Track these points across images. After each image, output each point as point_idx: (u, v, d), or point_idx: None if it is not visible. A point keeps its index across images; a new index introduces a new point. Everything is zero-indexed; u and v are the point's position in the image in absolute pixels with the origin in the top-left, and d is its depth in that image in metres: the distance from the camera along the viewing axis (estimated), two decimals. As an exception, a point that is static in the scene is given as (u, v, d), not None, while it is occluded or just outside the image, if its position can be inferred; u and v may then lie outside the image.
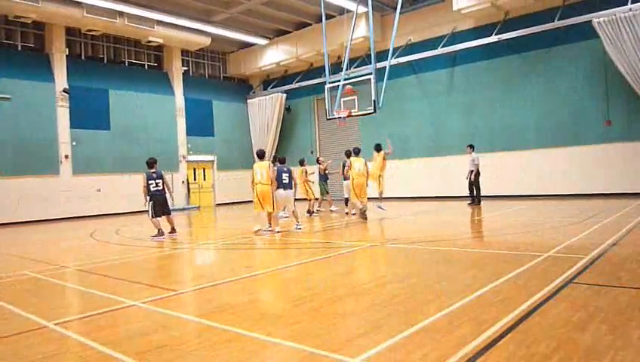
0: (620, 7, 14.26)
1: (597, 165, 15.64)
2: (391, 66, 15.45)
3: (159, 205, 10.55)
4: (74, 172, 18.55)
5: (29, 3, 16.13)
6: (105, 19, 17.95)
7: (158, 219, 10.59)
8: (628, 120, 15.17)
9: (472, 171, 15.35)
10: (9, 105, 16.94)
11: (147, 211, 10.60)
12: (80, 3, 17.17)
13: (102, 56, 20.60)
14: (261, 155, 11.38)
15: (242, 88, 25.75)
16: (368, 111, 15.06)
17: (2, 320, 4.59)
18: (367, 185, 12.63)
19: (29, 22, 17.50)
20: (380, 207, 13.82)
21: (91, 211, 18.68)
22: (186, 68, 23.11)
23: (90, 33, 19.12)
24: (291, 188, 11.02)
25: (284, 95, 23.73)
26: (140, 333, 3.98)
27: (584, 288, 4.67)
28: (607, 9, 14.52)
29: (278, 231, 10.43)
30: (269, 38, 22.87)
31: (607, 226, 8.88)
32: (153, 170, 10.63)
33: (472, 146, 15.61)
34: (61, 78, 18.48)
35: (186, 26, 20.21)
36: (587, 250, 6.49)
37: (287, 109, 24.19)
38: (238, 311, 4.53)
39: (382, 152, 14.08)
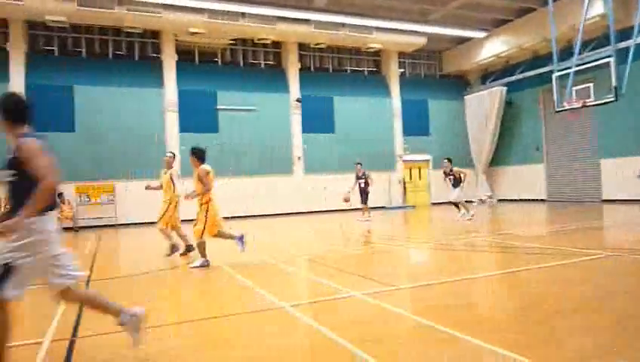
0: None
1: None
2: (637, 46, 13.15)
3: None
4: (305, 171, 20.77)
5: (269, 26, 18.68)
6: (330, 31, 19.65)
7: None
8: None
9: None
10: (254, 116, 19.92)
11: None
12: (309, 20, 19.13)
13: (327, 66, 22.57)
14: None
15: (459, 85, 25.11)
16: (607, 100, 13.14)
17: (251, 298, 5.45)
18: None
19: (269, 42, 20.28)
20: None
21: (319, 207, 20.57)
22: (402, 70, 23.65)
23: (318, 46, 21.14)
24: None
25: (505, 88, 22.31)
26: (360, 323, 4.27)
27: None
28: None
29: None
30: (487, 30, 21.79)
31: None
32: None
33: None
34: (295, 89, 20.93)
35: (402, 29, 20.70)
36: None
37: (508, 103, 22.67)
38: (453, 312, 4.48)
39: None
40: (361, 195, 15.54)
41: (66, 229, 16.39)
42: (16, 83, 16.80)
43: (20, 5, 15.51)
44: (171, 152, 9.70)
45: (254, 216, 19.34)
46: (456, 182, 13.80)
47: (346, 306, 4.96)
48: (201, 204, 7.54)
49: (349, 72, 22.94)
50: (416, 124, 23.31)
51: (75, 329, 4.33)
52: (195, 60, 20.16)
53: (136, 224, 17.57)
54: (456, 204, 14.19)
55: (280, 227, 15.42)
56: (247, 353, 3.63)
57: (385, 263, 7.96)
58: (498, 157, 23.07)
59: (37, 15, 16.33)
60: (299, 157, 20.77)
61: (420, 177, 23.71)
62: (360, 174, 15.49)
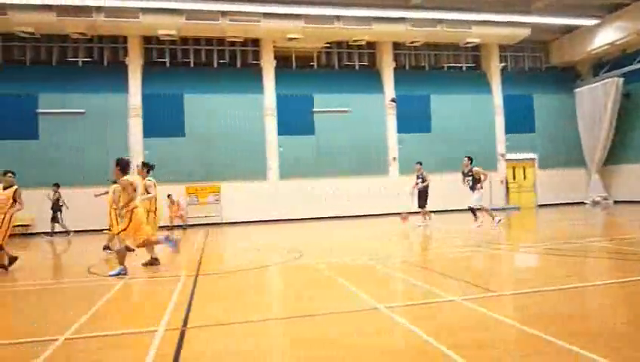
0: None
1: None
2: None
3: None
4: (401, 172, 20.53)
5: (364, 27, 18.73)
6: (426, 29, 19.25)
7: None
8: None
9: None
10: (349, 117, 20.08)
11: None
12: (404, 18, 18.89)
13: (423, 64, 22.12)
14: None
15: (568, 77, 23.32)
16: None
17: (347, 298, 5.51)
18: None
19: (364, 43, 20.34)
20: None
21: (416, 208, 20.12)
22: (504, 64, 22.50)
23: (413, 44, 20.79)
24: None
25: (621, 79, 20.34)
26: (458, 328, 4.14)
27: None
28: None
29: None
30: (600, 17, 20.00)
31: None
32: None
33: None
34: (389, 89, 20.79)
35: (503, 21, 19.69)
36: None
37: (626, 96, 20.62)
38: (563, 322, 4.18)
39: None
40: (419, 198, 14.12)
41: (177, 227, 17.76)
42: (134, 93, 18.55)
43: (137, 22, 17.07)
44: (142, 162, 9.96)
45: (350, 216, 19.48)
46: (475, 184, 12.24)
47: (444, 310, 4.83)
48: (126, 212, 7.63)
49: (446, 68, 22.30)
50: (520, 121, 22.03)
51: (186, 319, 4.67)
52: (292, 65, 20.80)
53: (239, 223, 18.50)
54: (473, 211, 12.57)
55: (376, 228, 15.38)
56: (342, 353, 3.68)
57: (486, 267, 7.63)
58: (614, 155, 21.07)
59: (151, 30, 17.86)
60: (394, 158, 20.58)
61: (524, 177, 22.39)
62: (418, 174, 14.34)
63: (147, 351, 3.73)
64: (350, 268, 7.61)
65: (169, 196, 17.77)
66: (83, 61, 19.09)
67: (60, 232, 16.08)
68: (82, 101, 18.07)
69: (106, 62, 19.26)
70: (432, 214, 14.15)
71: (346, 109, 20.13)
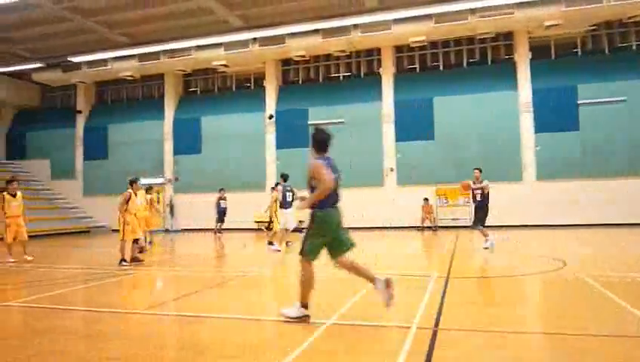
0: None
1: None
2: None
3: None
4: None
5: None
6: None
7: None
8: None
9: None
10: (622, 107, 17.14)
11: None
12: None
13: None
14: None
15: None
16: None
17: (619, 320, 4.74)
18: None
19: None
20: None
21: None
22: None
23: None
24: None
25: None
26: None
27: None
28: None
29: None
30: None
31: None
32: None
33: None
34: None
35: None
36: None
37: None
38: None
39: None
40: (476, 212, 11.37)
41: (427, 228, 18.12)
42: (387, 100, 19.75)
43: (389, 33, 18.09)
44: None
45: (624, 224, 16.64)
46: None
47: None
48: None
49: None
50: None
51: (438, 320, 4.74)
52: (551, 55, 18.94)
53: (491, 227, 17.71)
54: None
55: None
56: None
57: None
58: None
59: (402, 39, 18.68)
60: None
61: None
62: (475, 184, 11.14)
63: (401, 346, 3.91)
64: (628, 284, 6.52)
65: (425, 199, 18.34)
66: (343, 76, 21.22)
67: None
68: (343, 112, 20.06)
69: (362, 75, 21.00)
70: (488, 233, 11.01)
71: (620, 98, 17.25)
